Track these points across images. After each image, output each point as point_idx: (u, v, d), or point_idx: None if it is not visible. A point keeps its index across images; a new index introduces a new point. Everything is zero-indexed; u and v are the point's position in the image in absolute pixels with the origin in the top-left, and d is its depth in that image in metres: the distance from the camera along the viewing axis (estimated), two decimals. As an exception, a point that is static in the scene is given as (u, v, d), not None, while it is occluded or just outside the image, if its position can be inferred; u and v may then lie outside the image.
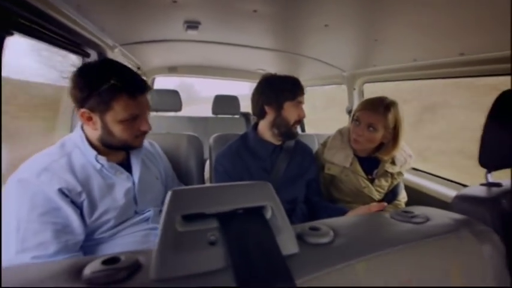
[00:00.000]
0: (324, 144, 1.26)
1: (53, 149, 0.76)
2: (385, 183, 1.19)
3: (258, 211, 0.33)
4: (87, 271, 0.26)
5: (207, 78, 2.72)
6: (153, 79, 2.52)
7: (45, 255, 0.66)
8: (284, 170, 1.08)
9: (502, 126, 0.59)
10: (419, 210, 0.44)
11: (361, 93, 1.87)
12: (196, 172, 1.19)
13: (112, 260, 0.27)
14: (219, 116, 2.39)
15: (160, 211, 0.92)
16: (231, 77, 2.61)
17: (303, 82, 1.11)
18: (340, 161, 1.17)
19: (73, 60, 1.32)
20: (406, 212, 0.42)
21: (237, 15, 1.10)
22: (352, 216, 0.55)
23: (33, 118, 1.34)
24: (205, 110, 2.66)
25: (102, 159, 0.77)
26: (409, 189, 1.37)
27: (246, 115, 2.44)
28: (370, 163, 1.18)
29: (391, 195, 1.22)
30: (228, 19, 1.19)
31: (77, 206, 0.72)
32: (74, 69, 0.74)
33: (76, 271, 0.27)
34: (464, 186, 1.31)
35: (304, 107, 1.08)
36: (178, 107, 2.23)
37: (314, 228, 0.36)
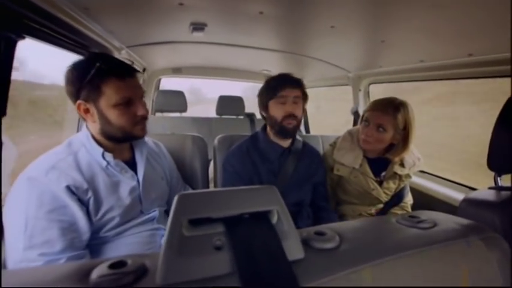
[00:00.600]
0: (333, 145, 1.25)
1: (60, 148, 0.78)
2: (392, 185, 1.18)
3: (264, 215, 0.32)
4: (94, 275, 0.26)
5: (211, 79, 2.73)
6: (159, 80, 2.54)
7: (52, 252, 0.67)
8: (292, 172, 1.08)
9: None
10: (426, 214, 0.43)
11: (367, 94, 1.86)
12: (201, 173, 1.20)
13: (119, 264, 0.27)
14: (224, 116, 2.40)
15: (165, 211, 0.92)
16: (235, 77, 2.61)
17: (308, 83, 1.11)
18: (349, 162, 1.16)
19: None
20: (412, 216, 0.42)
21: (243, 17, 1.10)
22: (358, 220, 0.54)
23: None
24: (209, 109, 2.79)
25: (109, 156, 0.78)
26: (415, 192, 1.35)
27: (250, 116, 2.42)
28: (379, 165, 1.17)
29: (396, 198, 1.21)
30: (234, 21, 1.19)
31: (84, 204, 0.73)
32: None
33: (83, 275, 0.27)
34: (473, 189, 1.29)
35: (308, 107, 1.08)
36: (184, 108, 2.24)
37: (320, 233, 0.35)
